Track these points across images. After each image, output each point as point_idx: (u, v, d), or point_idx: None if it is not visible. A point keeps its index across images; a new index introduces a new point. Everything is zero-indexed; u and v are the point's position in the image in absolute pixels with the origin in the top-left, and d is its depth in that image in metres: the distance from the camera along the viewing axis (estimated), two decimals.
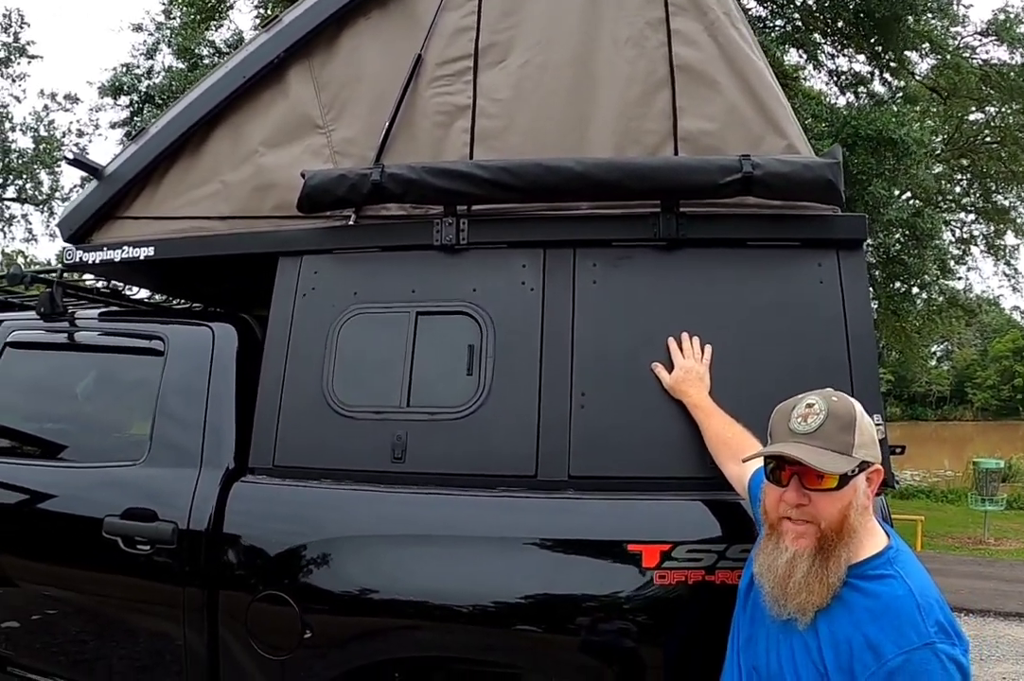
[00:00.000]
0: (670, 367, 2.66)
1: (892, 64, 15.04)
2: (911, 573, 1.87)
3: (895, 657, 1.74)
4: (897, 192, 13.09)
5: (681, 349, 2.67)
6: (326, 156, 3.14)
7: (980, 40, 16.95)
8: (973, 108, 17.99)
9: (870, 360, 2.69)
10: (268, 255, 3.12)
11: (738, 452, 2.36)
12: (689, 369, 2.62)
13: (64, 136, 26.43)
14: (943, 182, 17.45)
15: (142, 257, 3.30)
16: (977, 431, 54.85)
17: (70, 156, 3.47)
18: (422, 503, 2.69)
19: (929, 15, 13.99)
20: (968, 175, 19.29)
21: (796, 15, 14.58)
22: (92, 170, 3.45)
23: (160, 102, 13.64)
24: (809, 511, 1.88)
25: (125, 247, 3.33)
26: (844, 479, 1.85)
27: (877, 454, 1.94)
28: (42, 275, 3.88)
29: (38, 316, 3.59)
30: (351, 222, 3.03)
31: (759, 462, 2.16)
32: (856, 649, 1.80)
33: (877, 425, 2.16)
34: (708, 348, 2.68)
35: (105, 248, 3.39)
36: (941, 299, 18.40)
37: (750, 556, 2.13)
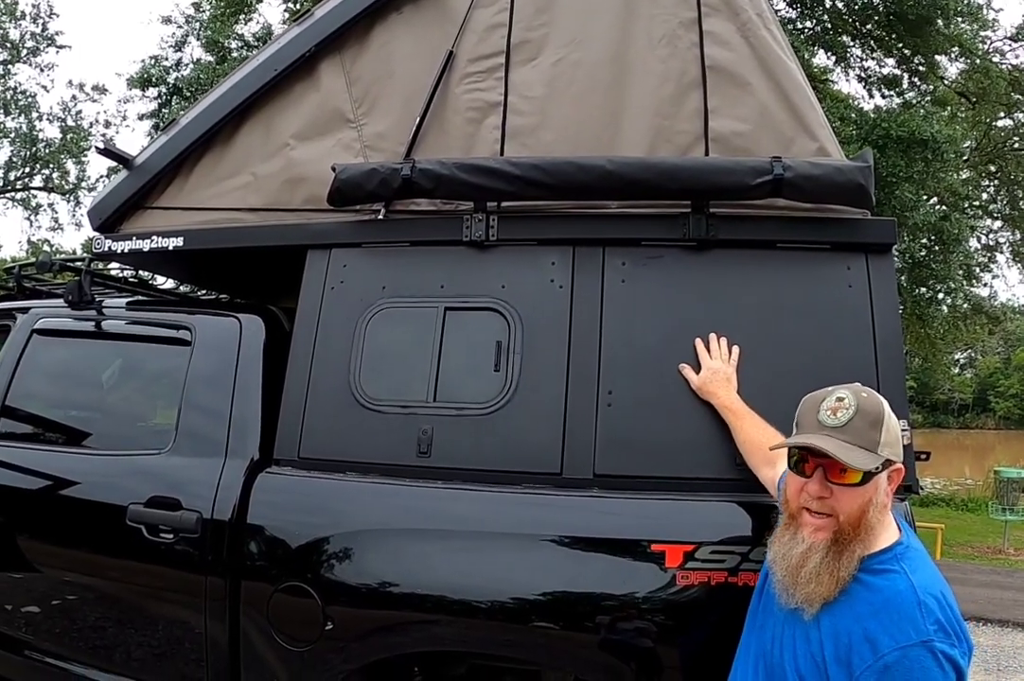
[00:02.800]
0: (697, 368, 2.66)
1: (921, 68, 14.94)
2: (917, 569, 1.87)
3: (891, 652, 1.75)
4: (925, 197, 13.00)
5: (708, 350, 2.67)
6: (357, 150, 3.15)
7: (1010, 45, 16.88)
8: (1002, 113, 17.85)
9: (897, 365, 2.68)
10: (297, 248, 3.13)
11: (772, 457, 2.35)
12: (716, 370, 2.61)
13: (91, 126, 26.50)
14: (970, 188, 17.30)
15: (171, 247, 3.32)
16: (999, 440, 54.47)
17: (100, 146, 3.48)
18: (447, 498, 2.69)
19: (959, 19, 13.86)
20: (995, 181, 19.14)
21: (825, 17, 14.51)
22: (122, 160, 3.47)
23: (188, 94, 13.68)
24: (830, 504, 1.88)
25: (154, 237, 3.35)
26: (867, 475, 1.86)
27: (900, 453, 1.94)
28: (70, 263, 3.90)
29: (66, 304, 3.61)
30: (380, 216, 3.03)
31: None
32: (855, 642, 1.80)
33: (904, 431, 2.16)
34: (735, 349, 2.67)
35: (134, 238, 3.41)
36: (966, 306, 18.27)
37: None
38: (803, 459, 1.93)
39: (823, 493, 1.88)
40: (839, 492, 1.87)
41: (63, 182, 26.76)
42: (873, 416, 1.90)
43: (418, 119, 3.05)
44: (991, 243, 20.11)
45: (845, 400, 1.91)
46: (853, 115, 12.46)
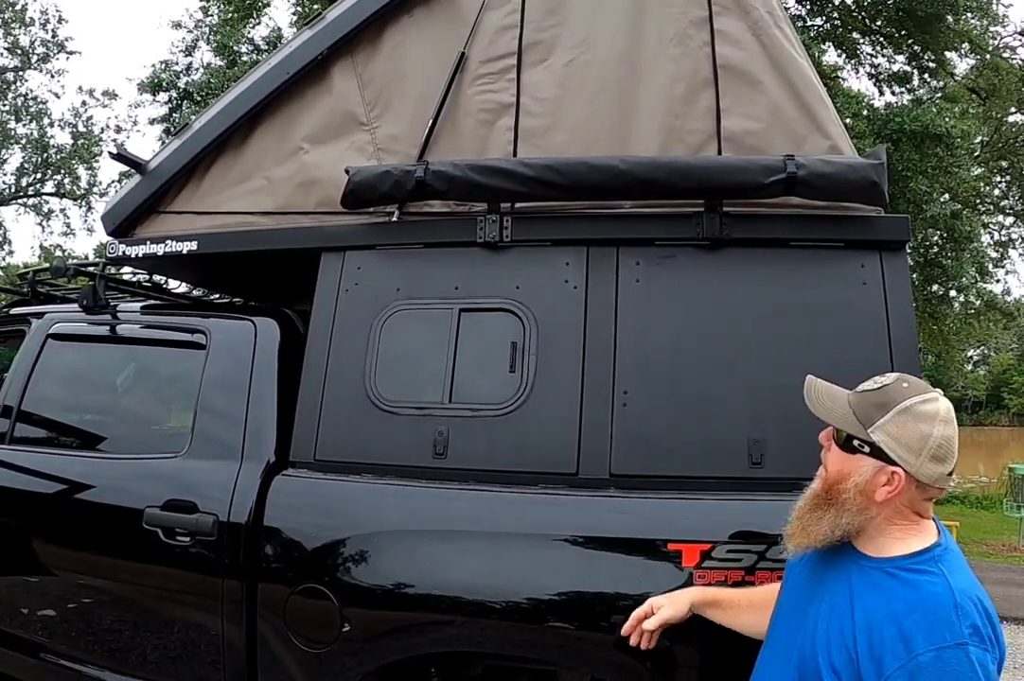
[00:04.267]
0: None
1: (931, 64, 14.90)
2: (955, 572, 1.84)
3: (925, 652, 1.71)
4: (935, 194, 12.95)
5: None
6: (370, 153, 3.16)
7: (1020, 40, 16.82)
8: (1013, 109, 17.78)
9: (911, 362, 2.66)
10: (311, 250, 3.14)
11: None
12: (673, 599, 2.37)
13: (102, 132, 26.68)
14: (982, 184, 17.23)
15: (185, 251, 3.33)
16: (1013, 436, 54.17)
17: (113, 151, 3.49)
18: (463, 499, 2.69)
19: (969, 15, 13.84)
20: (1007, 177, 19.06)
21: (835, 14, 14.48)
22: (135, 164, 3.48)
23: (198, 99, 13.74)
24: (825, 457, 1.95)
25: (168, 241, 3.36)
26: (848, 445, 1.87)
27: (907, 458, 1.82)
28: (84, 268, 3.91)
29: (80, 309, 3.63)
30: (394, 218, 3.03)
31: None
32: (888, 640, 1.77)
33: None
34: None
35: (148, 242, 3.41)
36: (979, 302, 18.22)
37: None
38: None
39: (824, 442, 1.95)
40: (828, 451, 1.94)
41: (75, 187, 26.92)
42: (885, 400, 1.85)
43: (431, 121, 3.05)
44: (1003, 239, 20.05)
45: (886, 378, 1.90)
46: (865, 111, 12.44)
